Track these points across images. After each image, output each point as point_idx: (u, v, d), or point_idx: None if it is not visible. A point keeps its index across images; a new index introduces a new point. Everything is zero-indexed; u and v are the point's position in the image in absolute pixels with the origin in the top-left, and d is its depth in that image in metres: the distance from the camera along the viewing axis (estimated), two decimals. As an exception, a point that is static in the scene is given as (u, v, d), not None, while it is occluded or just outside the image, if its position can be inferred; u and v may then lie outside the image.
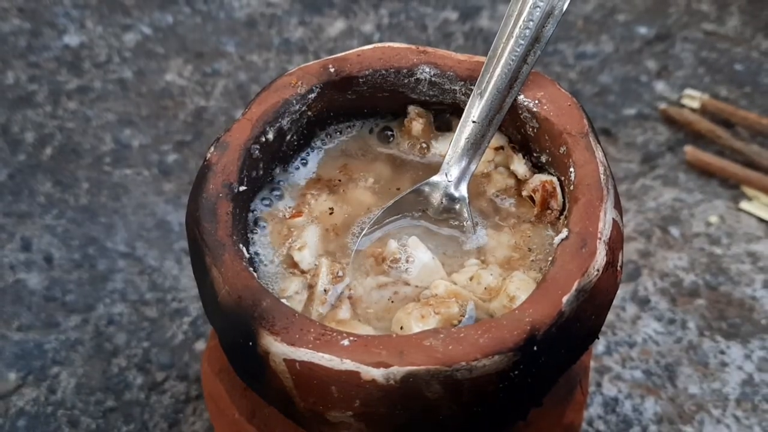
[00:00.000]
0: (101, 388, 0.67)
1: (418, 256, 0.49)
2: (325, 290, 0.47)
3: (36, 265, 0.74)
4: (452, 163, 0.50)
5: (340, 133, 0.55)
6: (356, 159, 0.54)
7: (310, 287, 0.48)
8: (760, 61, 0.89)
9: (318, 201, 0.52)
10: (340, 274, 0.48)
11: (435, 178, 0.50)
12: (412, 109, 0.54)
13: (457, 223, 0.50)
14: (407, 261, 0.49)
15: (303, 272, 0.48)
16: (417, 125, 0.53)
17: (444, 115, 0.54)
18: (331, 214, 0.51)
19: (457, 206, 0.50)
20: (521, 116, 0.51)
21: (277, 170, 0.52)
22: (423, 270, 0.48)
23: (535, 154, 0.51)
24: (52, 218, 0.77)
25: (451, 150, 0.50)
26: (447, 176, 0.50)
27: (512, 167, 0.52)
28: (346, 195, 0.52)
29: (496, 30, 0.92)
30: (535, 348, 0.42)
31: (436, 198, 0.50)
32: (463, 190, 0.50)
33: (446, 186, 0.50)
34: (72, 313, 0.71)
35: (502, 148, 0.53)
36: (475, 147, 0.50)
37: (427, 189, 0.50)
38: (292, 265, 0.49)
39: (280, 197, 0.52)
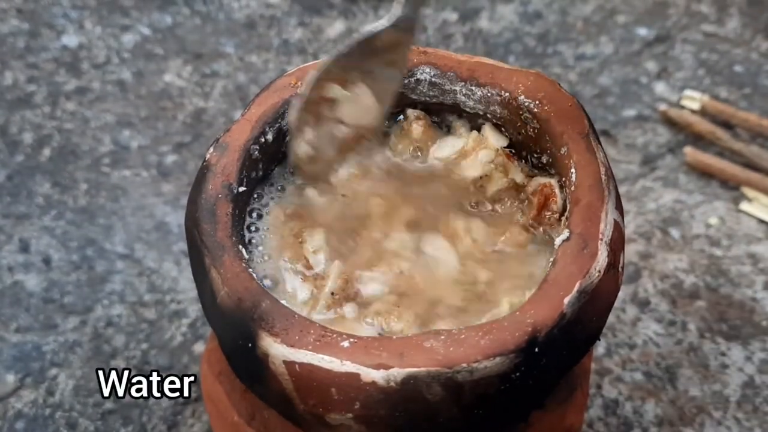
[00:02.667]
0: (100, 389, 0.67)
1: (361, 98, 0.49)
2: (332, 293, 0.47)
3: (34, 267, 0.74)
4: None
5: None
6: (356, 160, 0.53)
7: (316, 287, 0.47)
8: (759, 63, 0.89)
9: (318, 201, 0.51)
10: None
11: (387, 25, 0.48)
12: (411, 113, 0.53)
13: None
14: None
15: (309, 270, 0.48)
16: (417, 128, 0.53)
17: (444, 116, 0.54)
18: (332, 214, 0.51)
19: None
20: (522, 117, 0.51)
21: (277, 171, 0.52)
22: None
23: (535, 155, 0.51)
24: (51, 219, 0.77)
25: None
26: (400, 18, 0.47)
27: (510, 175, 0.51)
28: (348, 195, 0.52)
29: (495, 31, 0.92)
30: (536, 350, 0.42)
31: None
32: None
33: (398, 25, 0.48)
34: (70, 315, 0.71)
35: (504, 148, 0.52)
36: None
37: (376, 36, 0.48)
38: (300, 262, 0.48)
39: (280, 197, 0.52)
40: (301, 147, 0.49)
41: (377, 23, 0.48)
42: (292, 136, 0.49)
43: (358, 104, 0.49)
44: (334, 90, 0.49)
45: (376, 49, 0.48)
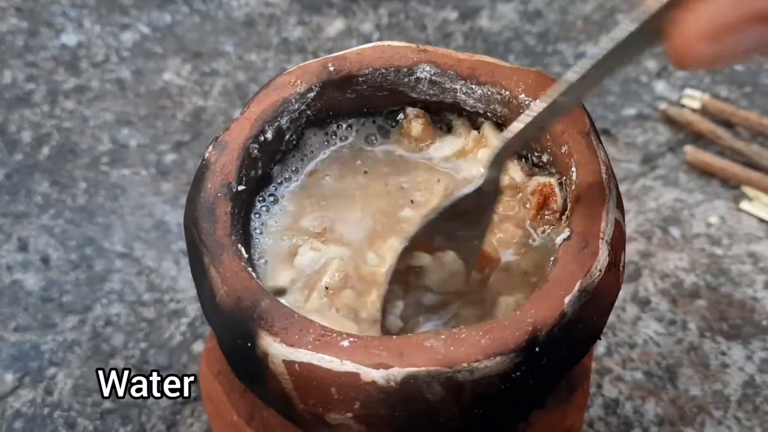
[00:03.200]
0: (98, 389, 0.67)
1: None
2: (326, 287, 0.47)
3: (33, 266, 0.74)
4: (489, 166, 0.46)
5: (336, 134, 0.54)
6: (356, 159, 0.53)
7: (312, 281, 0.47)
8: (760, 62, 0.88)
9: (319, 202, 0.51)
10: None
11: (471, 189, 0.46)
12: (411, 111, 0.53)
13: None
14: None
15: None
16: (416, 126, 0.53)
17: (444, 114, 0.54)
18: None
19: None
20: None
21: (276, 169, 0.52)
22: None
23: (536, 154, 0.51)
24: (50, 218, 0.77)
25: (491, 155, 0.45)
26: (485, 183, 0.46)
27: (509, 173, 0.51)
28: (347, 195, 0.52)
29: (495, 30, 0.92)
30: (537, 349, 0.42)
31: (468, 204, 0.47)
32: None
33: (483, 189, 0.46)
34: (69, 314, 0.71)
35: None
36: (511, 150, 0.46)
37: (462, 201, 0.46)
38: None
39: (280, 197, 0.51)
40: (392, 322, 0.47)
41: (464, 189, 0.46)
42: (382, 310, 0.47)
43: (446, 271, 0.48)
44: (422, 258, 0.48)
45: (460, 211, 0.47)
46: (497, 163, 0.45)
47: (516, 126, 0.44)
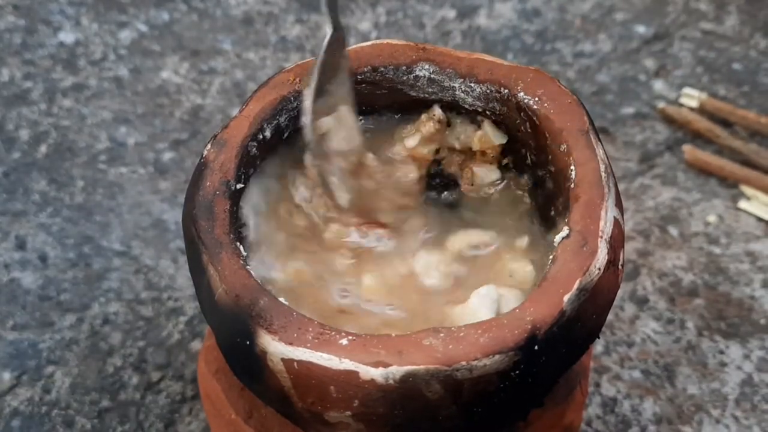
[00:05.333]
0: (96, 387, 0.67)
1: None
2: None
3: (31, 264, 0.74)
4: None
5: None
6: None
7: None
8: (758, 61, 0.88)
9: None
10: None
11: (329, 36, 0.50)
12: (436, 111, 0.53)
13: None
14: None
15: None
16: (430, 126, 0.53)
17: (444, 112, 0.54)
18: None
19: None
20: (521, 114, 0.50)
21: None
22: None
23: (535, 152, 0.51)
24: (47, 217, 0.77)
25: None
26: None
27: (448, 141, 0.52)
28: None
29: (493, 28, 0.92)
30: (536, 347, 0.42)
31: None
32: None
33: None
34: (67, 313, 0.71)
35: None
36: None
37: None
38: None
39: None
40: (341, 198, 0.51)
41: (321, 46, 0.50)
42: (322, 189, 0.50)
43: (343, 127, 0.51)
44: (328, 121, 0.50)
45: (326, 72, 0.50)
46: (332, 7, 0.50)
47: None
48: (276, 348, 0.42)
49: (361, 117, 0.54)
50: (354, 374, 0.41)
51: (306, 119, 0.49)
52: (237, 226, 0.48)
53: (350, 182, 0.51)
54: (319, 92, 0.49)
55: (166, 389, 0.67)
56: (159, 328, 0.70)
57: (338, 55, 0.50)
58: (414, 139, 0.53)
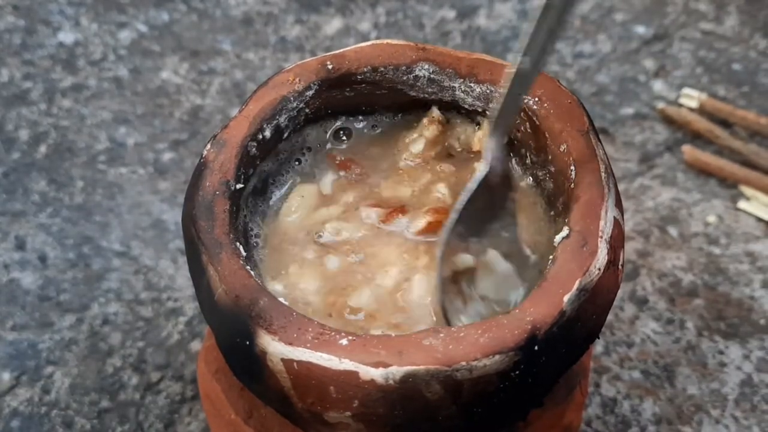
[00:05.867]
0: (96, 388, 0.67)
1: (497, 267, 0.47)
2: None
3: (30, 264, 0.74)
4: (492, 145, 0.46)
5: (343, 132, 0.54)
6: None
7: None
8: (758, 61, 0.88)
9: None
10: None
11: (481, 173, 0.46)
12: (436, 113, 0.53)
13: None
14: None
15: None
16: (433, 129, 0.53)
17: (443, 112, 0.54)
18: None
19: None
20: (520, 114, 0.50)
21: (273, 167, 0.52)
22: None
23: (535, 152, 0.51)
24: (47, 217, 0.77)
25: (492, 133, 0.46)
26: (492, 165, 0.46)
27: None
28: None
29: (493, 28, 0.92)
30: (536, 348, 0.42)
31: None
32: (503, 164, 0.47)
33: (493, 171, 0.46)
34: (66, 313, 0.71)
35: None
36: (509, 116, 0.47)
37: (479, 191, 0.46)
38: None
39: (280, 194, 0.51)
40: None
41: (473, 180, 0.46)
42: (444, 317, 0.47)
43: (496, 273, 0.47)
44: (465, 259, 0.47)
45: (483, 206, 0.47)
46: (494, 146, 0.46)
47: (497, 103, 0.45)
48: (276, 348, 0.42)
49: (360, 117, 0.54)
50: (354, 374, 0.41)
51: (438, 251, 0.46)
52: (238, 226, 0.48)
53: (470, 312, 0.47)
54: (461, 228, 0.46)
55: (165, 389, 0.67)
56: (159, 329, 0.70)
57: (498, 195, 0.46)
58: (419, 144, 0.53)
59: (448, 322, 0.46)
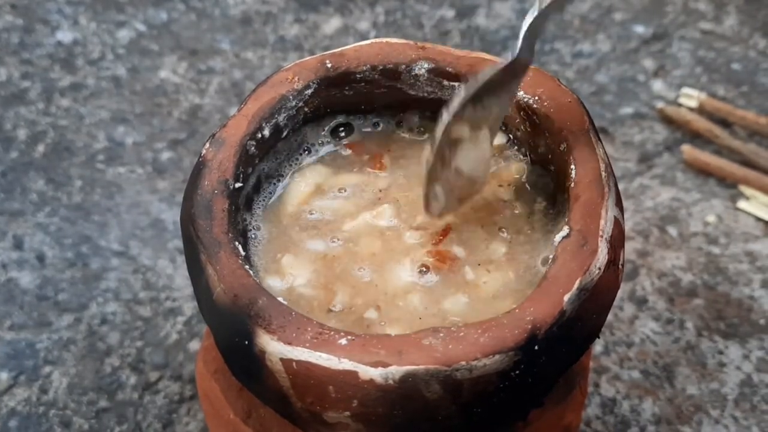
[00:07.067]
0: (94, 388, 0.67)
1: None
2: None
3: (28, 264, 0.74)
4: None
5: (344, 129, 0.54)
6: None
7: None
8: (757, 61, 0.88)
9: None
10: None
11: (508, 62, 0.47)
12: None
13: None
14: None
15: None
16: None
17: (443, 111, 0.53)
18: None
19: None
20: (520, 113, 0.50)
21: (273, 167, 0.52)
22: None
23: (535, 152, 0.51)
24: (45, 216, 0.77)
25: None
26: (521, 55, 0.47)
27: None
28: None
29: (492, 28, 0.92)
30: (536, 347, 0.41)
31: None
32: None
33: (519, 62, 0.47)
34: (64, 313, 0.71)
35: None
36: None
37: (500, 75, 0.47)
38: None
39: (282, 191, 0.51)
40: (434, 207, 0.49)
41: (500, 62, 0.47)
42: (425, 184, 0.48)
43: (477, 148, 0.49)
44: (462, 130, 0.48)
45: (493, 86, 0.48)
46: (531, 35, 0.46)
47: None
48: (275, 348, 0.42)
49: (360, 116, 0.54)
50: (353, 374, 0.41)
51: (445, 115, 0.47)
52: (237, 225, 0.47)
53: (451, 199, 0.49)
54: (474, 100, 0.47)
55: (164, 389, 0.67)
56: (157, 328, 0.70)
57: (513, 81, 0.48)
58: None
59: (427, 195, 0.48)
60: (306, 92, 0.51)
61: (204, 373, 0.55)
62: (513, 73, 0.47)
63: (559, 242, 0.44)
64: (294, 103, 0.51)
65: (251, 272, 0.45)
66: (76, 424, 0.65)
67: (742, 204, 0.77)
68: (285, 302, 0.44)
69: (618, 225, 0.46)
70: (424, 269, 0.48)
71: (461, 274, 0.48)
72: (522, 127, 0.51)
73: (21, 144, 0.82)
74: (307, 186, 0.51)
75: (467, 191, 0.50)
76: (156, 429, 0.65)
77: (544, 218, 0.49)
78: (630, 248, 0.74)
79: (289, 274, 0.48)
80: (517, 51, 0.46)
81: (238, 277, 0.44)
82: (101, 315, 0.71)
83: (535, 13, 0.46)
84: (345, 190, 0.51)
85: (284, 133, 0.51)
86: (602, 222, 0.45)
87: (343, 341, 0.42)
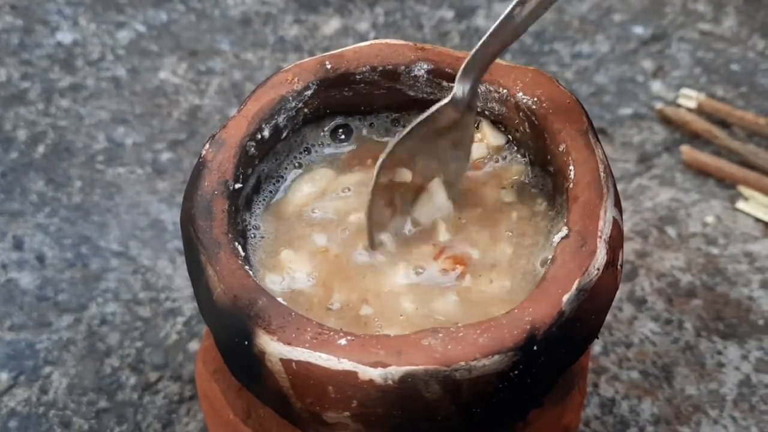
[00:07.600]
0: (94, 388, 0.67)
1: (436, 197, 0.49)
2: None
3: (28, 264, 0.74)
4: (463, 80, 0.47)
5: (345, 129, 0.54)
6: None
7: None
8: (756, 61, 0.89)
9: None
10: None
11: (445, 101, 0.47)
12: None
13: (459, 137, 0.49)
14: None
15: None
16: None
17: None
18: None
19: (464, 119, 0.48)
20: (519, 114, 0.50)
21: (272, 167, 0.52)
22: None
23: (533, 152, 0.51)
24: (45, 217, 0.77)
25: (464, 68, 0.47)
26: (457, 95, 0.47)
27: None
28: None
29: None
30: (535, 348, 0.42)
31: (445, 120, 0.48)
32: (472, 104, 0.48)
33: (456, 103, 0.47)
34: (64, 313, 0.71)
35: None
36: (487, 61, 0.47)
37: (438, 115, 0.48)
38: None
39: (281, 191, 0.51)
40: (379, 240, 0.49)
41: (438, 103, 0.48)
42: (368, 225, 0.49)
43: (433, 203, 0.50)
44: (403, 174, 0.49)
45: (439, 129, 0.48)
46: (468, 77, 0.47)
47: (482, 40, 0.46)
48: (274, 348, 0.42)
49: (360, 117, 0.54)
50: (353, 374, 0.41)
51: (381, 157, 0.47)
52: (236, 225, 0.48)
53: (392, 229, 0.50)
54: (415, 144, 0.47)
55: (163, 390, 0.67)
56: (157, 329, 0.70)
57: (461, 127, 0.48)
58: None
59: (370, 232, 0.48)
60: (305, 93, 0.51)
61: (203, 374, 0.55)
62: (454, 116, 0.48)
63: (558, 243, 0.45)
64: (293, 104, 0.51)
65: (251, 273, 0.45)
66: (76, 424, 0.65)
67: (741, 204, 0.77)
68: (284, 301, 0.44)
69: (617, 226, 0.46)
70: (420, 270, 0.48)
71: (462, 275, 0.48)
72: (521, 129, 0.51)
73: (21, 144, 0.82)
74: (307, 186, 0.51)
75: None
76: (156, 429, 0.65)
77: (544, 219, 0.50)
78: (629, 249, 0.74)
79: (288, 268, 0.48)
80: (451, 96, 0.47)
81: (238, 277, 0.44)
82: (101, 315, 0.71)
83: (477, 47, 0.46)
84: (348, 190, 0.51)
85: (284, 134, 0.51)
86: (601, 223, 0.45)
87: (343, 341, 0.42)
